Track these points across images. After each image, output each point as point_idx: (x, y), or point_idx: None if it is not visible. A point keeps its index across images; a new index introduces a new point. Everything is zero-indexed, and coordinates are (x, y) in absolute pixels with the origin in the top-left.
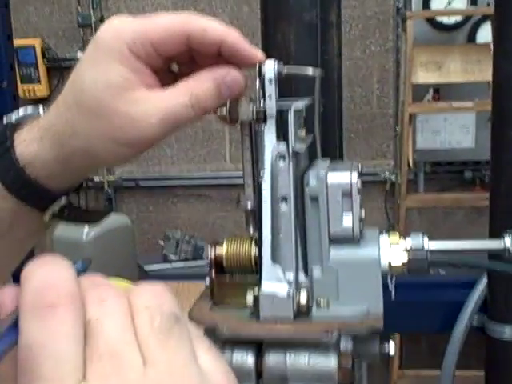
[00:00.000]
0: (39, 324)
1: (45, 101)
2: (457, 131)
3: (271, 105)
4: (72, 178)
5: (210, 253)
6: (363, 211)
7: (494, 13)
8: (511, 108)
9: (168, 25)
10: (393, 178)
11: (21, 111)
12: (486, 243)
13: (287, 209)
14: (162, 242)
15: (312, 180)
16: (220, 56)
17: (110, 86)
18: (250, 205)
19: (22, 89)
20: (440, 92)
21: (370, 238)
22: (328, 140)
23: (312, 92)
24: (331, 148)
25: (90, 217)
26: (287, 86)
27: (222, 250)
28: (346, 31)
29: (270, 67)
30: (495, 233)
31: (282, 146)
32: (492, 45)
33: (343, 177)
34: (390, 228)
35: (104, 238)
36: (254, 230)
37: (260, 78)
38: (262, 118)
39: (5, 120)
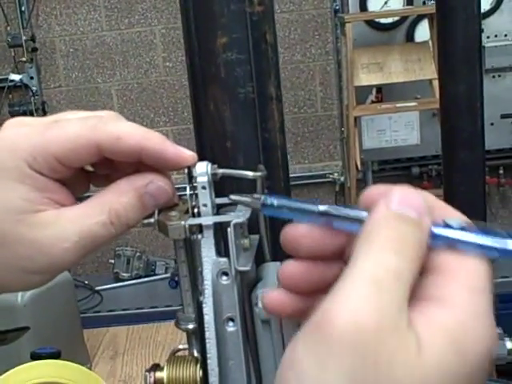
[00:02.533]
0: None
1: None
2: (402, 129)
3: (207, 216)
4: None
5: (149, 379)
6: None
7: (437, 31)
8: (460, 129)
9: (73, 136)
10: (342, 179)
11: None
12: None
13: (235, 331)
14: (112, 261)
15: (261, 301)
16: (141, 161)
17: (10, 211)
18: (191, 325)
19: None
20: (382, 91)
21: None
22: (277, 229)
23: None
24: None
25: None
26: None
27: (163, 375)
28: (286, 35)
29: (203, 171)
30: None
31: (224, 263)
32: (432, 46)
33: None
34: None
35: (42, 297)
36: (198, 352)
37: (191, 185)
38: (196, 231)
39: None
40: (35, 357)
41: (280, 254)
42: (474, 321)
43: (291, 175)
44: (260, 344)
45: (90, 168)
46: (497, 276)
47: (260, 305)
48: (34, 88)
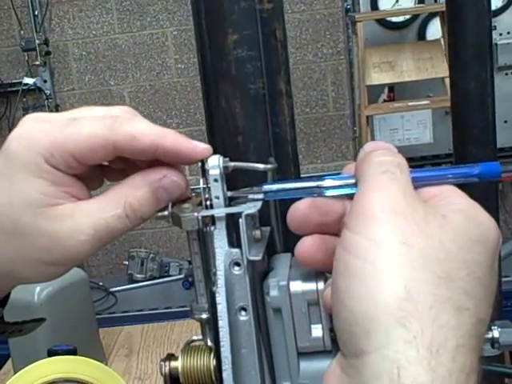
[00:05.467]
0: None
1: None
2: (414, 127)
3: (219, 207)
4: None
5: (164, 368)
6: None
7: (447, 28)
8: (471, 125)
9: (90, 135)
10: None
11: None
12: None
13: (247, 320)
14: (126, 262)
15: (273, 290)
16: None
17: (29, 205)
18: (204, 315)
19: None
20: (395, 90)
21: None
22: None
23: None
24: None
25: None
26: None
27: (178, 364)
28: (297, 35)
29: (215, 164)
30: None
31: (236, 253)
32: (443, 44)
33: (308, 285)
34: None
35: (58, 296)
36: (212, 341)
37: (204, 178)
38: (209, 222)
39: None
40: (52, 354)
41: (291, 246)
42: (480, 208)
43: (303, 175)
44: (271, 332)
45: (105, 163)
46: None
47: (271, 294)
48: (48, 91)
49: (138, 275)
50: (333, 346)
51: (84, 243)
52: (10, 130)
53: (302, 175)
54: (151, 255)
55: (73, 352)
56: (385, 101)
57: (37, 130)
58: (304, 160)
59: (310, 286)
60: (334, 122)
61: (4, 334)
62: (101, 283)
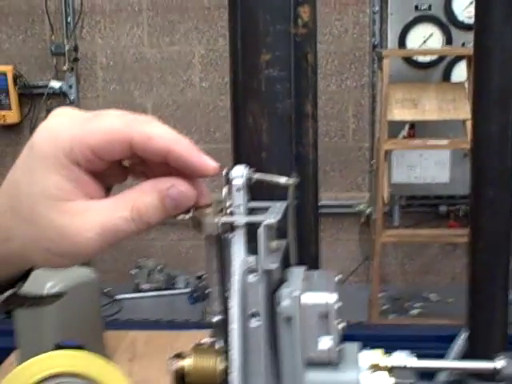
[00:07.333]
0: None
1: (16, 127)
2: (432, 166)
3: (240, 216)
4: (9, 273)
5: (172, 366)
6: (343, 325)
7: (474, 71)
8: (490, 167)
9: (109, 130)
10: (368, 211)
11: None
12: (477, 364)
13: (258, 327)
14: (133, 271)
15: (285, 300)
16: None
17: (46, 197)
18: (216, 318)
19: None
20: (415, 127)
21: (349, 358)
22: (304, 239)
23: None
24: (306, 247)
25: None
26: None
27: (185, 363)
28: (322, 66)
29: (239, 174)
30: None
31: (252, 261)
32: (467, 88)
33: (319, 297)
34: (364, 260)
35: (68, 293)
36: (221, 344)
37: (227, 186)
38: (228, 229)
39: None
40: (59, 348)
41: (305, 260)
42: None
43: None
44: (280, 341)
45: (126, 164)
46: None
47: (283, 303)
48: (72, 96)
49: (145, 285)
50: (339, 358)
51: (91, 240)
52: (32, 131)
53: (318, 189)
54: (159, 266)
55: (80, 348)
56: (404, 137)
57: (60, 124)
58: (319, 187)
59: (322, 299)
60: (352, 153)
61: (23, 306)
62: (106, 289)
